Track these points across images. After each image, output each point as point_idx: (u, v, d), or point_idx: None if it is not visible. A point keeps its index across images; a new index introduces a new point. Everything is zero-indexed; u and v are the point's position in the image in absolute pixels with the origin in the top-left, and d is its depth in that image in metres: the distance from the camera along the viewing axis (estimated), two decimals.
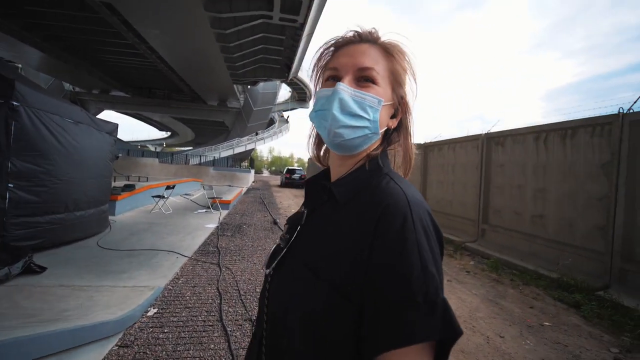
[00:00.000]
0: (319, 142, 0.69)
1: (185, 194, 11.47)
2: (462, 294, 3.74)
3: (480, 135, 6.37)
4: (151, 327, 2.48)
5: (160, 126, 52.41)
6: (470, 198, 6.60)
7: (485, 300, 3.58)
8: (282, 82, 28.54)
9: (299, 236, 0.56)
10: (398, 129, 0.60)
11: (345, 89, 0.53)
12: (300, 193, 16.64)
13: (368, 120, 0.53)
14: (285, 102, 41.96)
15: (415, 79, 0.58)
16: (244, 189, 16.18)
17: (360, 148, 0.56)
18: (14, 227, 3.34)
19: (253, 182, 23.76)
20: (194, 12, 10.18)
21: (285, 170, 23.95)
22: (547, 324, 3.03)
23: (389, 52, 0.56)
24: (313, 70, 0.63)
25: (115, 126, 5.36)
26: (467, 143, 6.91)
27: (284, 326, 0.50)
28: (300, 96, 40.63)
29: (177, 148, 57.00)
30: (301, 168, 26.48)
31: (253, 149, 35.92)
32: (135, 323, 2.51)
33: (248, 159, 36.05)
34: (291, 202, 12.67)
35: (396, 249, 0.41)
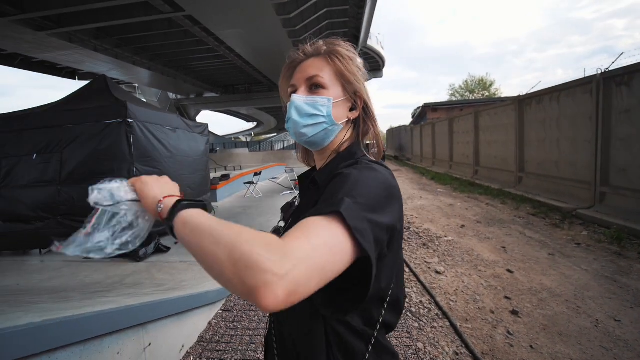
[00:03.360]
0: (302, 147, 0.80)
1: (273, 178, 12.55)
2: (567, 269, 3.24)
3: (594, 76, 5.12)
4: None
5: (247, 118, 57.53)
6: (583, 156, 5.46)
7: (598, 276, 3.03)
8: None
9: (293, 217, 0.68)
10: (366, 119, 0.69)
11: (298, 98, 0.65)
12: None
13: (322, 116, 0.64)
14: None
15: (360, 75, 0.67)
16: None
17: (328, 140, 0.67)
18: None
19: None
20: (259, 3, 10.62)
21: None
22: None
23: (332, 59, 0.66)
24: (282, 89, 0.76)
25: (206, 126, 6.16)
26: (575, 89, 5.65)
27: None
28: (372, 66, 38.72)
29: (263, 136, 62.01)
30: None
31: None
32: None
33: None
34: None
35: (339, 180, 0.52)
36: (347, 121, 0.67)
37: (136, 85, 22.50)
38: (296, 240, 0.39)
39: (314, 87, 0.65)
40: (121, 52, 14.21)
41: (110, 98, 4.21)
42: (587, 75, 5.33)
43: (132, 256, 3.62)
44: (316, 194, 0.61)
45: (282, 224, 1.00)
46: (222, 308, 2.73)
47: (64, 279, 3.09)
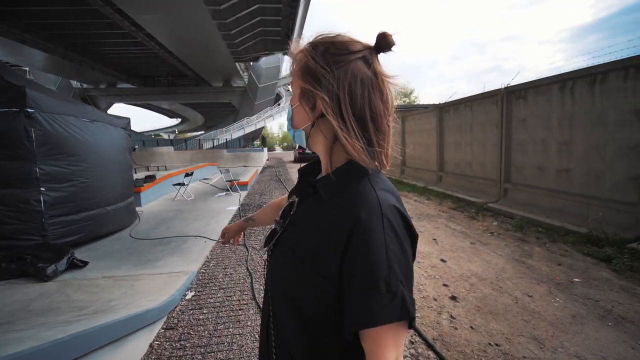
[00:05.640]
0: None
1: (204, 179, 11.72)
2: (487, 255, 3.75)
3: (499, 90, 6.05)
4: (191, 309, 2.64)
5: (170, 114, 52.75)
6: (490, 157, 6.41)
7: (510, 260, 3.58)
8: (284, 54, 27.69)
9: (291, 222, 0.64)
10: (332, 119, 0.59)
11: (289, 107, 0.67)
12: None
13: (289, 122, 0.66)
14: (290, 74, 40.97)
15: (316, 65, 0.55)
16: (259, 168, 16.35)
17: (304, 144, 0.65)
18: (52, 226, 3.54)
19: (267, 160, 23.92)
20: None
21: (297, 146, 23.91)
22: (576, 280, 3.02)
23: (294, 58, 0.62)
24: None
25: (128, 120, 5.42)
26: (485, 100, 6.60)
27: (278, 302, 0.61)
28: None
29: (189, 134, 57.56)
30: None
31: (263, 127, 35.80)
32: (176, 307, 2.69)
33: (259, 138, 36.07)
34: None
35: (367, 248, 0.49)
36: (312, 123, 0.60)
37: (26, 69, 18.61)
38: None
39: None
40: (5, 27, 11.57)
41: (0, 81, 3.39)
42: (486, 88, 6.29)
43: (37, 275, 2.96)
44: (319, 208, 0.58)
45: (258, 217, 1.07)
46: (164, 326, 2.41)
47: None
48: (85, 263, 3.38)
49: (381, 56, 0.57)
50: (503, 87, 5.88)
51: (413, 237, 0.55)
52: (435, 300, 2.77)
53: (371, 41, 0.57)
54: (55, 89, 21.08)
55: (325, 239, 0.53)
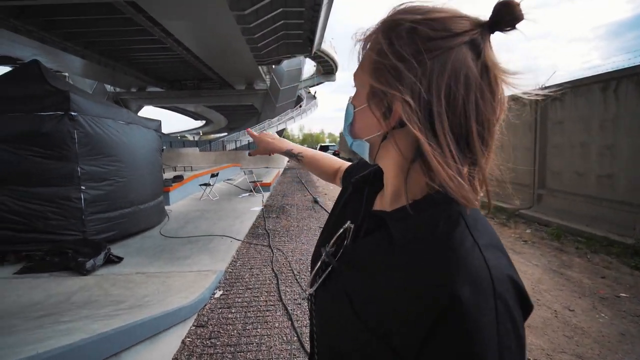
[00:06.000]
0: None
1: (228, 179, 11.99)
2: (521, 265, 3.57)
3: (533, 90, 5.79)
4: (220, 308, 2.69)
5: (195, 116, 54.50)
6: (523, 161, 6.14)
7: (548, 271, 3.39)
8: (306, 57, 27.96)
9: (346, 257, 0.49)
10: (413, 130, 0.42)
11: (348, 102, 0.49)
12: None
13: (347, 126, 0.48)
14: (311, 77, 41.33)
15: (408, 54, 0.38)
16: (281, 170, 16.53)
17: (368, 157, 0.47)
18: (91, 223, 3.73)
19: (288, 161, 24.15)
20: None
21: (318, 148, 24.01)
22: (623, 295, 2.81)
23: (376, 37, 0.42)
24: None
25: (159, 122, 5.63)
26: (515, 101, 6.34)
27: (323, 351, 0.50)
28: (326, 69, 39.66)
29: (212, 135, 59.25)
30: (334, 144, 26.34)
31: (284, 129, 36.24)
32: (205, 305, 2.74)
33: None
34: None
35: (469, 347, 0.32)
36: (381, 135, 0.43)
37: (66, 74, 19.86)
38: None
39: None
40: (49, 36, 12.41)
41: (46, 86, 3.61)
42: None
43: (77, 269, 3.12)
44: (388, 252, 0.41)
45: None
46: (195, 324, 2.47)
47: None
48: (120, 259, 3.53)
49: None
50: (537, 87, 5.61)
51: (527, 314, 0.38)
52: None
53: (482, 16, 0.38)
54: (91, 92, 22.39)
55: (398, 304, 0.37)
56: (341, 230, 0.51)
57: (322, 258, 0.52)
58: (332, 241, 0.52)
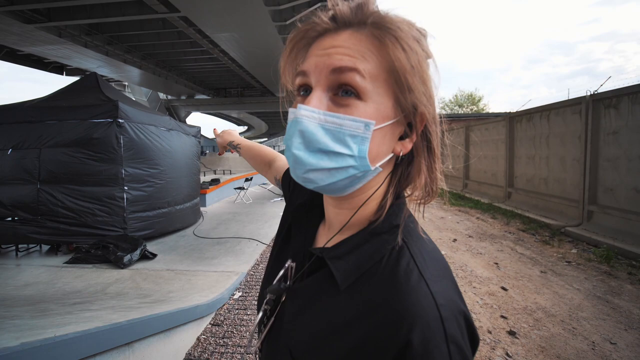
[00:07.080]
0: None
1: (263, 184, 12.40)
2: (560, 288, 3.25)
3: (583, 97, 5.27)
4: (237, 309, 2.79)
5: (238, 122, 57.16)
6: (571, 174, 5.59)
7: (591, 296, 3.05)
8: None
9: (287, 308, 0.42)
10: (417, 151, 0.40)
11: (309, 114, 0.35)
12: None
13: (351, 156, 0.35)
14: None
15: (428, 74, 0.37)
16: None
17: (350, 189, 0.39)
18: (131, 221, 4.10)
19: None
20: (255, 9, 10.63)
21: None
22: None
23: (384, 37, 0.35)
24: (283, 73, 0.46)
25: (199, 129, 6.04)
26: (565, 109, 5.81)
27: None
28: None
29: (254, 140, 61.64)
30: None
31: None
32: (224, 305, 2.87)
33: None
34: None
35: None
36: (390, 159, 0.39)
37: (126, 83, 22.07)
38: None
39: (344, 92, 0.35)
40: (112, 49, 13.92)
41: (100, 96, 4.07)
42: (571, 94, 5.54)
43: (116, 262, 3.44)
44: (331, 295, 0.38)
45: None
46: (212, 322, 2.60)
47: (40, 287, 2.89)
48: (154, 255, 3.83)
49: (440, 58, 0.39)
50: (588, 94, 5.10)
51: (475, 346, 0.36)
52: (490, 332, 2.49)
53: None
54: (147, 99, 24.62)
55: (344, 355, 0.34)
56: (282, 271, 0.46)
57: (263, 306, 0.45)
58: (274, 282, 0.46)
